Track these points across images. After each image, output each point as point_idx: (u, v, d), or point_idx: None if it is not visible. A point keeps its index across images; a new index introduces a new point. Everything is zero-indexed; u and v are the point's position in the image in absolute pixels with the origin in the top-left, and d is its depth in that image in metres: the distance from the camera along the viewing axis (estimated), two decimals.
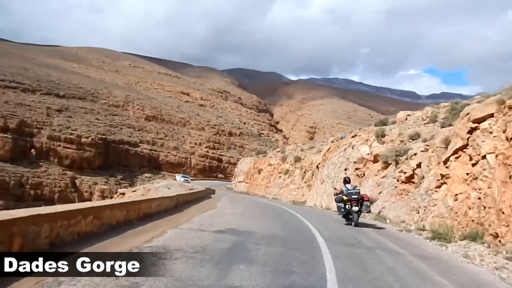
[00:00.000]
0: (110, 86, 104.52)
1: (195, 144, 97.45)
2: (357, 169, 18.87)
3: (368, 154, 17.76)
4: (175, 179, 61.41)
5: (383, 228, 12.22)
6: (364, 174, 17.98)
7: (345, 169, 20.82)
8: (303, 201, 30.63)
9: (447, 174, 11.36)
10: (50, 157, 71.63)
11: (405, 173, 13.37)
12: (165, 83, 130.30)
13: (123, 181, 79.39)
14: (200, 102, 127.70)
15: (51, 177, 69.45)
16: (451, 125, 13.89)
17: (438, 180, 11.66)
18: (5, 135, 65.41)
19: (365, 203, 12.95)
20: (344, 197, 12.98)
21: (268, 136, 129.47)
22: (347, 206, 12.96)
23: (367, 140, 18.87)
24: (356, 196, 12.80)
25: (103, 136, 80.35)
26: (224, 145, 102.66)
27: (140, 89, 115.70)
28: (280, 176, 40.09)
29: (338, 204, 13.28)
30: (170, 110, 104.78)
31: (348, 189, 13.22)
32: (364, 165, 18.08)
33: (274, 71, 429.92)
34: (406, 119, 18.73)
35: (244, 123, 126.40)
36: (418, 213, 12.18)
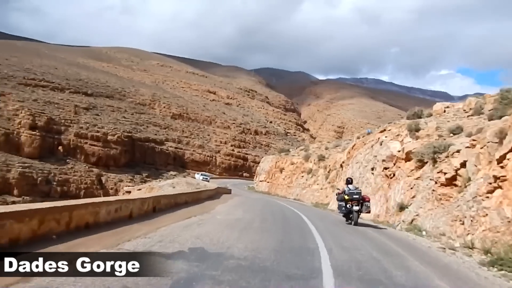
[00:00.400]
0: (137, 84, 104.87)
1: (221, 142, 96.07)
2: (385, 168, 16.24)
3: (399, 151, 15.10)
4: (194, 177, 60.43)
5: (397, 236, 10.58)
6: (394, 175, 15.34)
7: (372, 169, 18.20)
8: (326, 203, 28.15)
9: (502, 176, 8.74)
10: (77, 154, 71.94)
11: (445, 174, 10.76)
12: (192, 81, 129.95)
13: (149, 179, 78.82)
14: (226, 100, 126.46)
15: (77, 174, 69.66)
16: (501, 117, 11.15)
17: (490, 183, 9.05)
18: (34, 132, 65.96)
19: (365, 203, 13.29)
20: (346, 197, 13.30)
21: (295, 135, 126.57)
22: (347, 206, 13.33)
23: (398, 135, 16.19)
24: (357, 196, 13.11)
25: (129, 134, 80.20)
26: (249, 143, 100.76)
27: (166, 88, 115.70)
28: (302, 176, 37.76)
29: (340, 203, 13.81)
30: (196, 109, 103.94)
31: (350, 189, 13.47)
32: (394, 164, 15.45)
33: (302, 71, 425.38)
34: (445, 111, 15.80)
35: (271, 122, 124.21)
36: (462, 224, 9.58)
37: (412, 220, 11.83)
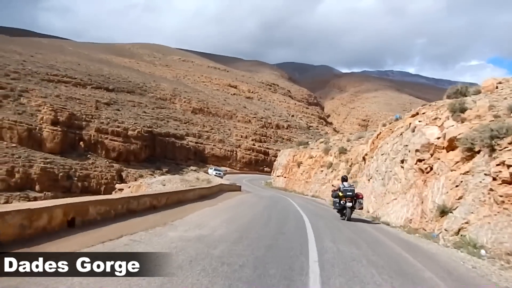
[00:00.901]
0: (158, 79, 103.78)
1: (241, 137, 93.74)
2: (420, 160, 13.06)
3: (438, 139, 11.83)
4: (207, 172, 57.92)
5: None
6: (431, 168, 12.15)
7: (402, 161, 14.93)
8: None
9: None
10: (97, 149, 71.18)
11: (509, 166, 7.66)
12: (213, 76, 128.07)
13: (169, 174, 77.45)
14: (248, 94, 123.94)
15: (98, 169, 68.85)
16: None
17: None
18: (55, 128, 65.40)
19: (358, 200, 14.15)
20: (340, 194, 14.18)
21: (318, 129, 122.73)
22: (341, 202, 14.22)
23: (435, 118, 12.84)
24: (350, 193, 13.95)
25: (150, 129, 78.99)
26: (271, 138, 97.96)
27: (187, 82, 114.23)
28: (322, 171, 34.39)
29: (334, 199, 14.90)
30: (216, 103, 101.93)
31: (344, 187, 14.29)
32: (432, 155, 12.27)
33: (326, 64, 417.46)
34: (497, 87, 12.33)
35: (292, 116, 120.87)
36: None
37: (459, 230, 8.73)
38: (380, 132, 20.83)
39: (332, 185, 18.17)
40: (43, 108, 66.34)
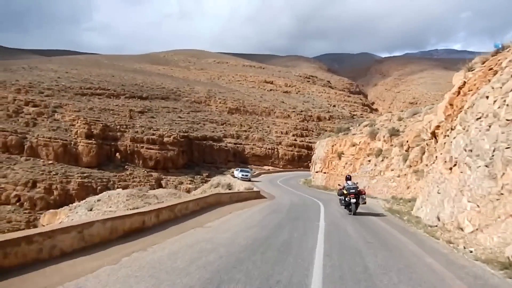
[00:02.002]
0: (192, 83, 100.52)
1: (281, 133, 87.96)
2: None
3: None
4: (234, 175, 52.56)
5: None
6: None
7: None
8: (408, 199, 18.73)
9: None
10: (134, 159, 68.65)
11: None
12: (248, 74, 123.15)
13: (209, 178, 73.39)
14: (285, 89, 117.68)
15: (137, 179, 66.18)
16: None
17: None
18: (90, 141, 63.43)
19: (361, 196, 15.81)
20: (345, 192, 15.95)
21: (362, 117, 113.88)
22: (346, 199, 15.95)
23: None
24: (353, 191, 15.57)
25: (186, 134, 75.47)
26: (313, 131, 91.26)
27: (222, 83, 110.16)
28: (369, 160, 27.53)
29: (340, 197, 17.01)
30: (253, 101, 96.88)
31: (348, 185, 15.87)
32: None
33: (365, 52, 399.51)
34: None
35: (334, 106, 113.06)
36: None
37: None
38: (465, 82, 12.15)
39: (338, 185, 19.60)
40: (77, 122, 64.70)
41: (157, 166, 70.03)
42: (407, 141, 21.56)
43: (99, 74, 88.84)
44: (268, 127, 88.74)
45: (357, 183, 17.32)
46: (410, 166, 20.05)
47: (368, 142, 28.78)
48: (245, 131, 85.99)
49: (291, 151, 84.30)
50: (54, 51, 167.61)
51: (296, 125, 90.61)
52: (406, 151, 21.81)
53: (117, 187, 63.41)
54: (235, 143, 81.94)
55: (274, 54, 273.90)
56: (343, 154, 33.25)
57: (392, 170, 22.64)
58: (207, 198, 15.46)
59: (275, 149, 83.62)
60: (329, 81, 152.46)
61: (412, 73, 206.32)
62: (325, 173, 38.80)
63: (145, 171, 67.82)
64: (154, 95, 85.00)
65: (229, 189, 26.38)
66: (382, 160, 25.43)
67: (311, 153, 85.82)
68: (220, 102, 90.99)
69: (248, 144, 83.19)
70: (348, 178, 16.66)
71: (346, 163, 31.81)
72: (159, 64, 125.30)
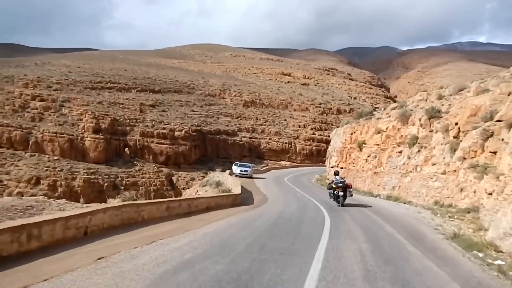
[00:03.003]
0: (207, 76, 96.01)
1: (299, 126, 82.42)
2: None
3: None
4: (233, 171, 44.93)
5: None
6: None
7: None
8: (466, 209, 12.80)
9: None
10: (144, 154, 64.74)
11: None
12: (265, 66, 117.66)
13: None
14: (303, 81, 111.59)
15: (146, 175, 62.29)
16: None
17: None
18: (98, 136, 59.78)
19: (348, 189, 17.31)
20: (333, 186, 17.37)
21: (385, 110, 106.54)
22: (335, 192, 17.37)
23: None
24: (341, 184, 17.08)
25: (198, 128, 71.01)
26: (332, 124, 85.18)
27: (238, 76, 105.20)
28: (400, 152, 20.91)
29: (329, 191, 18.33)
30: (269, 93, 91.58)
31: (336, 179, 17.43)
32: None
33: (386, 45, 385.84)
34: None
35: (355, 98, 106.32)
36: None
37: None
38: None
39: (327, 179, 22.81)
40: (84, 117, 61.18)
41: (168, 161, 65.97)
42: (456, 124, 15.60)
43: (111, 68, 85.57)
44: (285, 120, 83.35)
45: (344, 177, 19.26)
46: (464, 159, 14.18)
47: (398, 127, 21.51)
48: (261, 124, 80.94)
49: (309, 145, 78.72)
50: (74, 49, 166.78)
51: (315, 118, 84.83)
52: (454, 137, 15.55)
53: (126, 184, 59.80)
54: (250, 137, 77.04)
55: (292, 48, 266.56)
56: (365, 144, 25.77)
57: (433, 164, 16.74)
58: (93, 214, 8.15)
59: (292, 144, 78.24)
60: (349, 74, 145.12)
61: (436, 65, 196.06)
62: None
63: (155, 167, 63.83)
64: (167, 88, 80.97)
65: (217, 189, 21.32)
66: (419, 151, 18.67)
67: None
68: (235, 95, 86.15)
69: (264, 138, 78.14)
70: (336, 173, 18.61)
71: (369, 156, 24.64)
72: (175, 58, 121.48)
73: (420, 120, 19.45)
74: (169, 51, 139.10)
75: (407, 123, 21.00)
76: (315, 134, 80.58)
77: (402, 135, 20.93)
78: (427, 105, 20.69)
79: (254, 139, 77.27)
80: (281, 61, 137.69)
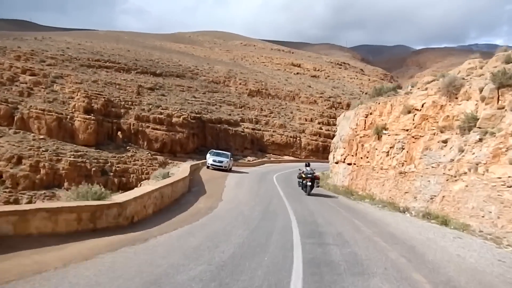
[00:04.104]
0: (213, 62, 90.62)
1: (306, 120, 76.95)
2: None
3: None
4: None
5: None
6: None
7: None
8: None
9: None
10: (138, 140, 59.96)
11: None
12: (274, 56, 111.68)
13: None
14: (313, 73, 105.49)
15: (138, 162, 57.53)
16: None
17: None
18: (89, 116, 55.06)
19: (316, 180, 19.26)
20: (303, 175, 19.24)
21: None
22: (303, 182, 19.30)
23: None
24: (310, 175, 18.87)
25: (198, 115, 65.94)
26: None
27: (245, 64, 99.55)
28: (444, 142, 13.39)
29: (299, 180, 20.29)
30: (277, 83, 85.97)
31: (307, 171, 19.22)
32: None
33: (402, 44, 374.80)
34: None
35: (366, 93, 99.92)
36: None
37: None
38: None
39: (299, 169, 20.99)
40: (76, 95, 56.47)
41: (163, 149, 61.15)
42: None
43: (114, 48, 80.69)
44: (291, 112, 77.87)
45: (314, 169, 19.98)
46: None
47: (442, 104, 14.16)
48: (266, 116, 75.62)
49: (316, 140, 73.30)
50: (87, 31, 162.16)
51: (323, 112, 79.18)
52: None
53: (115, 170, 55.19)
54: (253, 129, 71.81)
55: (306, 42, 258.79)
56: (386, 130, 18.02)
57: (434, 163, 11.49)
58: None
59: (298, 138, 72.87)
60: (362, 69, 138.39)
61: (452, 65, 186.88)
62: (350, 164, 23.09)
63: (149, 154, 59.03)
64: (169, 72, 75.91)
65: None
66: (480, 140, 11.71)
67: None
68: (240, 83, 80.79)
69: (268, 131, 72.86)
70: (307, 165, 20.08)
71: (391, 147, 16.93)
72: (183, 43, 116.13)
73: (481, 91, 12.33)
74: (178, 35, 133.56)
75: (457, 97, 13.52)
76: (322, 129, 75.07)
77: (448, 116, 13.51)
78: (488, 72, 13.42)
79: (257, 131, 72.07)
80: (292, 52, 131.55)
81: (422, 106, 15.20)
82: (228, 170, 31.18)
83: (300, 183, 19.95)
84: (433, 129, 13.74)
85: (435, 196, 12.44)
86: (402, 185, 14.92)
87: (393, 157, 16.25)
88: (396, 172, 15.57)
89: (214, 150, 36.22)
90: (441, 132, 13.13)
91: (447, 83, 13.54)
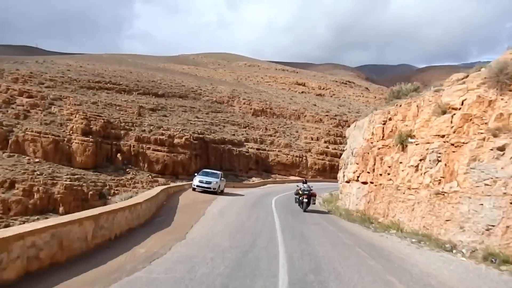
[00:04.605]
0: (216, 82, 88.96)
1: (311, 139, 74.12)
2: None
3: None
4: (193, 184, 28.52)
5: None
6: None
7: None
8: None
9: None
10: (139, 162, 57.37)
11: None
12: (278, 75, 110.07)
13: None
14: (318, 91, 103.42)
15: (139, 185, 54.65)
16: None
17: None
18: (87, 138, 52.74)
19: (312, 197, 19.83)
20: (300, 192, 19.99)
21: None
22: (300, 198, 19.93)
23: None
24: (307, 192, 19.52)
25: (201, 136, 63.47)
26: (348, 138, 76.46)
27: (249, 84, 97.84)
28: (500, 149, 9.34)
29: (295, 196, 20.92)
30: (281, 103, 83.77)
31: (304, 187, 19.96)
32: None
33: (405, 63, 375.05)
34: None
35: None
36: None
37: None
38: None
39: (297, 186, 21.40)
40: (75, 117, 54.43)
41: (165, 171, 58.42)
42: None
43: (116, 69, 79.44)
44: (297, 132, 75.20)
45: (312, 186, 20.65)
46: None
47: (491, 99, 10.57)
48: (270, 135, 73.00)
49: (322, 159, 70.19)
50: (91, 54, 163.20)
51: (329, 131, 76.41)
52: None
53: (114, 193, 52.26)
54: (258, 149, 69.06)
55: (310, 62, 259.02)
56: (412, 136, 14.12)
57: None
58: None
59: (304, 157, 69.86)
60: (367, 88, 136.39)
61: None
62: (365, 183, 18.90)
63: (150, 176, 56.27)
64: (171, 92, 74.15)
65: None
66: None
67: None
68: (244, 103, 78.69)
69: (273, 151, 70.04)
70: (305, 182, 21.23)
71: (421, 159, 12.98)
72: (186, 64, 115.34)
73: None
74: (181, 58, 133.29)
75: (511, 89, 10.11)
76: (328, 148, 72.10)
77: (501, 114, 10.02)
78: None
79: (262, 151, 69.29)
80: (297, 72, 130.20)
81: (462, 103, 11.41)
82: (218, 192, 26.28)
83: (297, 199, 20.53)
84: (481, 133, 10.33)
85: (493, 226, 8.92)
86: (441, 210, 11.07)
87: (425, 172, 12.49)
88: (431, 192, 11.53)
89: (205, 170, 30.51)
90: (494, 136, 9.77)
91: (496, 71, 10.38)
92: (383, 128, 17.48)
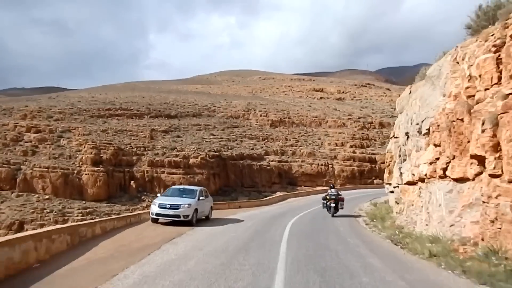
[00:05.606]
0: (230, 97, 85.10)
1: (336, 145, 68.28)
2: None
3: None
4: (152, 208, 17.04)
5: None
6: None
7: None
8: None
9: None
10: (154, 187, 53.19)
11: None
12: (294, 84, 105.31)
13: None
14: (337, 96, 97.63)
15: None
16: None
17: None
18: (97, 168, 49.34)
19: (340, 202, 19.56)
20: (327, 197, 19.78)
21: None
22: (327, 203, 19.79)
23: None
24: (334, 197, 19.36)
25: (217, 153, 59.03)
26: (375, 140, 70.40)
27: (264, 95, 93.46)
28: None
29: (323, 201, 20.47)
30: (299, 110, 78.70)
31: (331, 192, 19.74)
32: None
33: (423, 62, 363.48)
34: None
35: None
36: None
37: None
38: None
39: (324, 192, 22.24)
40: (84, 147, 51.37)
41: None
42: None
43: (128, 96, 77.15)
44: (319, 139, 69.61)
45: (339, 192, 20.62)
46: None
47: None
48: (292, 145, 67.75)
49: (350, 166, 64.05)
50: (106, 86, 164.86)
51: (354, 134, 70.37)
52: None
53: None
54: (279, 161, 63.86)
55: (326, 71, 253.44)
56: None
57: None
58: None
59: (330, 165, 63.97)
60: (388, 89, 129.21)
61: None
62: (463, 179, 9.15)
63: None
64: (184, 112, 70.70)
65: None
66: None
67: (375, 166, 64.55)
68: (260, 115, 74.15)
69: (296, 161, 64.60)
70: (332, 186, 21.07)
71: None
72: (200, 84, 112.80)
73: None
74: (196, 79, 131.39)
75: None
76: (355, 153, 65.98)
77: None
78: None
79: (284, 163, 63.98)
80: (313, 80, 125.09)
81: None
82: (193, 222, 15.38)
83: (325, 205, 20.34)
84: None
85: None
86: None
87: None
88: None
89: (175, 187, 20.42)
90: None
91: None
92: (498, 60, 7.98)
